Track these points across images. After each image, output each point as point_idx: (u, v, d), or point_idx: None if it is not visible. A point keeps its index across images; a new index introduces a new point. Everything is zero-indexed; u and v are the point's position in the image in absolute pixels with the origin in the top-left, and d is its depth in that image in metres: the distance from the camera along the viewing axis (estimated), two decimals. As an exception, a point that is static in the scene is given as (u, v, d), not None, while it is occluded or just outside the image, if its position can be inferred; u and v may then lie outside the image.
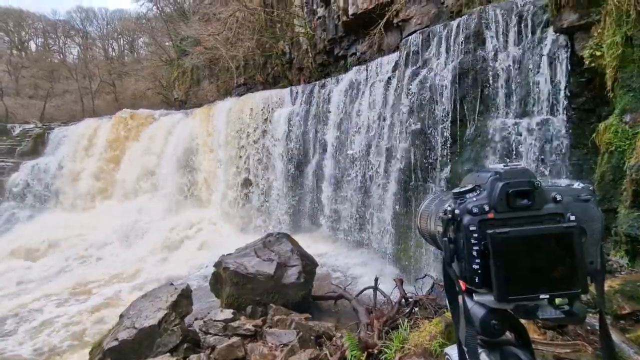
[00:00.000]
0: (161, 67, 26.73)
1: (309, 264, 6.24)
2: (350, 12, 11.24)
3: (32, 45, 40.30)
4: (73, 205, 15.50)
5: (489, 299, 0.65)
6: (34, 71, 34.97)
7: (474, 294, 0.67)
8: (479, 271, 0.63)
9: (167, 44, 27.41)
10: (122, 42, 41.03)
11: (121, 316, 5.00)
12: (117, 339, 4.43)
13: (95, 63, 36.95)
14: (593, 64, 4.75)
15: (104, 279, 9.44)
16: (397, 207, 7.40)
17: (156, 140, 15.19)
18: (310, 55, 14.07)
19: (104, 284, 9.18)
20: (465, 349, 0.65)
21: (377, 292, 5.49)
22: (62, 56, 40.26)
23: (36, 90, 33.78)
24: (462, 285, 0.67)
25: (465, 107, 6.33)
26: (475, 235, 0.63)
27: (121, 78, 34.79)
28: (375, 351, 3.65)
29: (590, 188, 0.68)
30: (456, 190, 0.70)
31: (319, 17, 13.19)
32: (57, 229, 13.42)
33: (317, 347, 4.36)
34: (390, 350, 3.33)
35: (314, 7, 13.61)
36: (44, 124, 21.75)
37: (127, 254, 11.27)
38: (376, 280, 5.60)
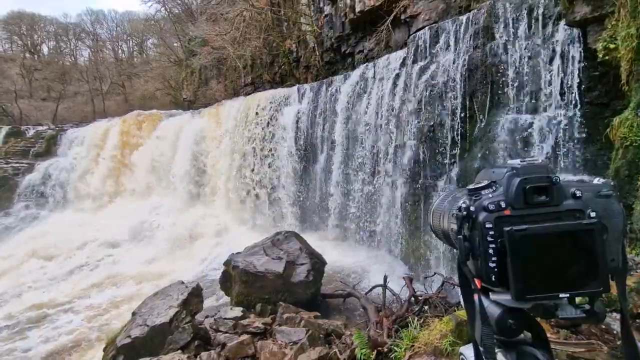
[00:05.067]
0: (170, 68, 27.05)
1: (317, 262, 6.25)
2: (357, 9, 11.18)
3: (45, 49, 41.12)
4: (86, 204, 15.79)
5: (505, 297, 0.63)
6: (47, 74, 35.68)
7: (490, 293, 0.66)
8: (496, 269, 0.62)
9: (175, 44, 27.69)
10: (131, 43, 41.58)
11: (133, 314, 5.08)
12: (129, 336, 4.50)
13: (106, 65, 37.55)
14: (607, 57, 4.62)
15: (115, 278, 9.59)
16: (406, 205, 7.35)
17: (165, 140, 15.36)
18: (317, 54, 14.04)
19: (115, 283, 9.33)
20: (481, 348, 0.64)
21: (386, 290, 5.47)
22: (73, 58, 40.99)
23: (49, 93, 34.47)
24: (478, 283, 0.66)
25: (474, 103, 6.24)
26: (492, 232, 0.62)
27: (131, 79, 35.27)
28: (385, 349, 3.63)
29: (612, 183, 0.65)
30: (471, 186, 0.68)
31: (326, 15, 13.15)
32: (72, 228, 13.69)
33: (327, 345, 4.36)
34: (400, 348, 3.31)
35: (321, 4, 13.57)
36: (56, 126, 22.22)
37: (140, 252, 11.43)
38: (385, 278, 5.57)
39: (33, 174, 16.90)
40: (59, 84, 34.38)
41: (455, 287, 5.05)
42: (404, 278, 5.53)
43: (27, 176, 16.88)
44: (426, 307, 4.60)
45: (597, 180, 0.66)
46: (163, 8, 27.17)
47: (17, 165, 17.53)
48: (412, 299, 4.97)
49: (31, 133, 19.80)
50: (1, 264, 11.37)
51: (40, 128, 20.92)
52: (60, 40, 40.84)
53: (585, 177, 0.68)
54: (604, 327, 2.74)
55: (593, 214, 0.62)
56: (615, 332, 2.66)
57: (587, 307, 0.60)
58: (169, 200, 14.28)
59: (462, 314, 3.25)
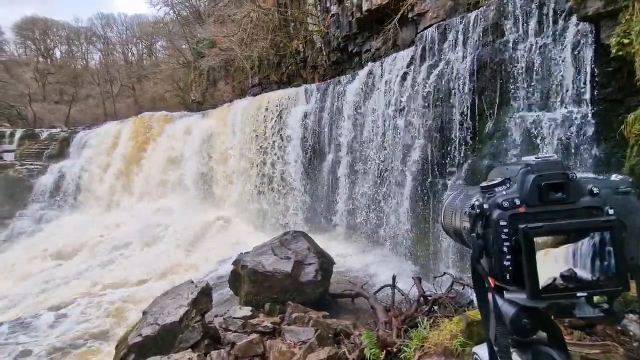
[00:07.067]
0: (179, 70, 27.38)
1: (326, 262, 6.24)
2: (365, 8, 11.15)
3: (57, 53, 42.01)
4: (98, 206, 16.07)
5: (520, 297, 0.62)
6: (60, 77, 36.47)
7: (504, 292, 0.65)
8: (510, 268, 0.61)
9: (184, 47, 28.03)
10: (141, 46, 42.21)
11: (144, 313, 5.14)
12: (141, 335, 4.55)
13: (116, 68, 38.22)
14: (621, 53, 4.51)
15: (126, 278, 9.73)
16: (415, 204, 7.29)
17: (175, 142, 15.55)
18: (324, 54, 14.05)
19: (126, 283, 9.47)
20: (496, 348, 0.63)
21: (395, 290, 5.43)
22: (85, 62, 41.81)
23: (62, 96, 35.23)
24: (492, 282, 0.65)
25: (484, 101, 6.17)
26: (506, 230, 0.61)
27: (141, 82, 35.80)
28: (395, 350, 3.61)
29: (630, 180, 0.64)
30: (484, 184, 0.67)
31: (333, 15, 13.15)
32: (84, 229, 13.94)
33: (336, 345, 4.36)
34: (410, 349, 3.29)
35: (328, 5, 13.58)
36: (69, 128, 22.68)
37: (151, 253, 11.59)
38: (394, 278, 5.53)
39: (47, 176, 17.26)
40: (71, 87, 35.11)
41: (466, 287, 5.00)
42: (413, 278, 5.48)
43: (41, 178, 17.25)
44: (436, 308, 4.56)
45: (615, 177, 0.65)
46: (172, 11, 27.53)
47: (32, 167, 17.92)
48: (422, 299, 4.93)
49: (45, 136, 20.24)
50: (17, 264, 11.64)
51: (53, 131, 21.37)
52: (73, 45, 41.70)
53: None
54: (620, 328, 2.67)
55: (611, 212, 0.60)
56: (632, 333, 2.59)
57: (605, 306, 0.59)
58: (179, 201, 14.44)
59: (472, 314, 3.21)
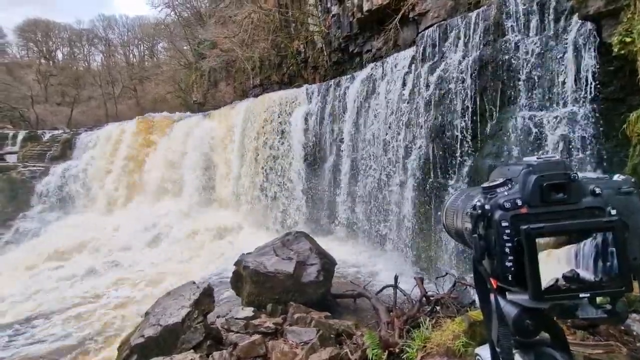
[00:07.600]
0: (180, 71, 27.45)
1: (327, 262, 6.23)
2: (365, 8, 11.16)
3: (59, 54, 42.16)
4: (100, 207, 16.10)
5: (522, 297, 0.62)
6: (61, 79, 36.61)
7: (506, 293, 0.65)
8: (512, 269, 0.60)
9: (185, 47, 28.09)
10: (142, 47, 42.32)
11: (146, 313, 5.15)
12: (143, 336, 4.56)
13: (118, 69, 38.35)
14: (622, 51, 4.50)
15: (128, 279, 9.75)
16: (416, 204, 7.29)
17: (177, 143, 15.57)
18: (325, 54, 14.06)
19: (128, 284, 9.48)
20: (498, 349, 0.63)
21: (397, 290, 5.42)
22: (86, 64, 41.96)
23: (63, 97, 35.35)
24: (494, 283, 0.65)
25: (485, 101, 6.16)
26: (508, 231, 0.61)
27: (142, 83, 35.90)
28: (397, 350, 3.61)
29: (633, 180, 0.63)
30: (485, 184, 0.67)
31: (333, 15, 13.16)
32: (86, 230, 13.97)
33: (338, 346, 4.35)
34: (412, 349, 3.29)
35: (328, 5, 13.58)
36: (71, 130, 22.75)
37: (152, 254, 11.61)
38: (396, 278, 5.53)
39: (49, 178, 17.29)
40: (73, 88, 35.22)
41: (468, 287, 4.99)
42: (415, 278, 5.48)
43: (44, 179, 17.28)
44: (438, 308, 4.55)
45: (617, 177, 0.64)
46: (173, 12, 27.59)
47: (34, 168, 17.95)
48: (424, 299, 4.92)
49: (47, 137, 20.28)
50: (19, 265, 11.68)
51: (55, 132, 21.41)
52: (74, 46, 41.85)
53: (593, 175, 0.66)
54: (623, 328, 2.67)
55: (613, 212, 0.60)
56: (635, 333, 2.59)
57: (608, 307, 0.58)
58: (180, 202, 14.46)
59: (474, 314, 3.21)
